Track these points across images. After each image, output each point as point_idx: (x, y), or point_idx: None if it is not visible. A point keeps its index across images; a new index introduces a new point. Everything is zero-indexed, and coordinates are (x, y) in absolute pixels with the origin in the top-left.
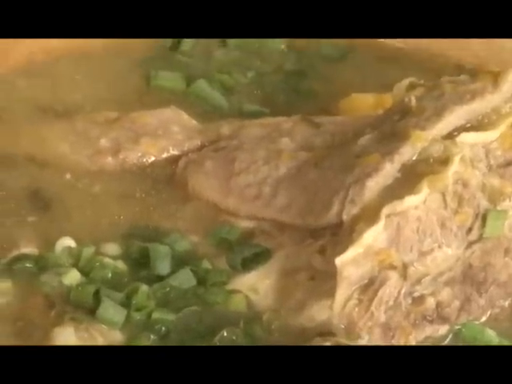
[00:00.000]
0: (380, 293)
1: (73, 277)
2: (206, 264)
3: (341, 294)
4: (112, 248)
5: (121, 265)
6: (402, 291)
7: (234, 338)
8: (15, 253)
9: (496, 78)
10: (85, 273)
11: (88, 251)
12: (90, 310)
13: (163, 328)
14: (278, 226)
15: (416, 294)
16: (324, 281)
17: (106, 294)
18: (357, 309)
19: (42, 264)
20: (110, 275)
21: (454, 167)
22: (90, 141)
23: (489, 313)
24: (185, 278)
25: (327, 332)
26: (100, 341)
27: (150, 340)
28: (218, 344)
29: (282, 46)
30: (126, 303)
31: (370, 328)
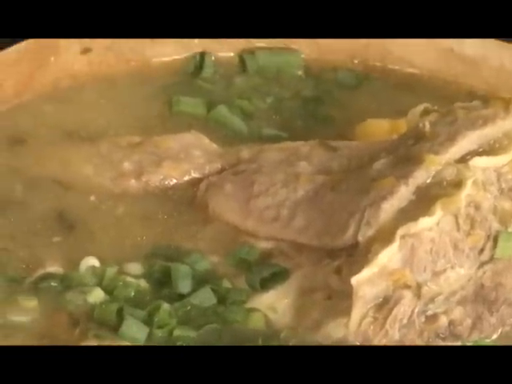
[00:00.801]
0: (394, 311)
1: (97, 295)
2: (225, 283)
3: (356, 312)
4: (135, 267)
5: (143, 284)
6: (416, 310)
7: None
8: (41, 272)
9: (507, 104)
10: (108, 291)
11: (111, 271)
12: (113, 328)
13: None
14: (296, 246)
15: (429, 313)
16: (340, 300)
17: (129, 311)
18: (372, 327)
19: (67, 283)
20: (132, 294)
21: (467, 190)
22: (114, 164)
23: (500, 331)
24: (205, 297)
25: None
26: None
27: None
28: None
29: (300, 73)
30: (148, 321)
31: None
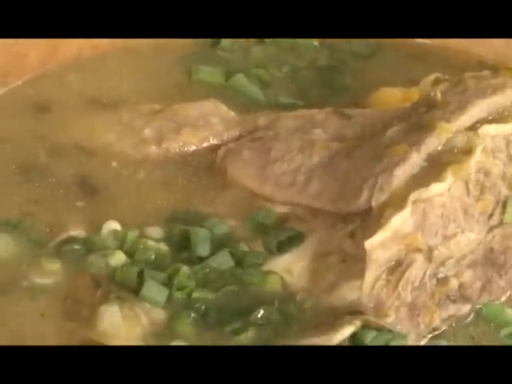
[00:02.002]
0: (407, 274)
1: (118, 258)
2: (243, 247)
3: (370, 275)
4: (155, 231)
5: (163, 247)
6: (427, 273)
7: (270, 316)
8: (64, 236)
9: None
10: (129, 254)
11: (132, 234)
12: (134, 290)
13: (203, 306)
14: (311, 211)
15: (440, 276)
16: (354, 263)
17: (150, 274)
18: (385, 289)
19: (90, 246)
20: (153, 257)
21: (477, 157)
22: (135, 131)
23: (508, 293)
24: (223, 260)
25: (357, 311)
26: (143, 318)
27: (190, 318)
28: (254, 320)
29: (315, 43)
30: (168, 283)
31: (396, 307)
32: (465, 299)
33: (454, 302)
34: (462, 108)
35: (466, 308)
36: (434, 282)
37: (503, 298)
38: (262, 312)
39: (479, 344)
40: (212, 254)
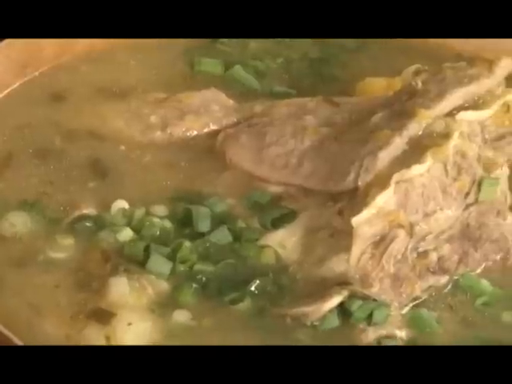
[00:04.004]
0: (390, 248)
1: (126, 234)
2: (240, 223)
3: (356, 249)
4: (160, 209)
5: (167, 224)
6: (409, 247)
7: (265, 286)
8: (77, 213)
9: (490, 64)
10: (136, 231)
11: (139, 212)
12: (140, 263)
13: (203, 278)
14: (303, 190)
15: (421, 250)
16: (342, 238)
17: (155, 248)
18: (370, 262)
19: (100, 223)
20: (158, 233)
21: (454, 141)
22: (142, 117)
23: (483, 265)
24: (222, 235)
25: (344, 282)
26: (149, 289)
27: (192, 288)
28: (251, 290)
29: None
30: (172, 257)
31: (381, 278)
32: (443, 271)
33: (433, 273)
34: (440, 96)
35: (444, 279)
36: (415, 255)
37: (479, 270)
38: (257, 283)
39: (457, 312)
40: (212, 230)
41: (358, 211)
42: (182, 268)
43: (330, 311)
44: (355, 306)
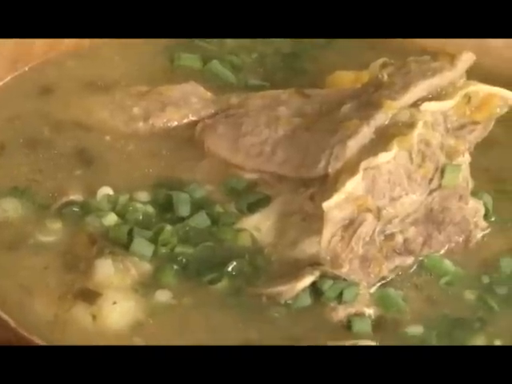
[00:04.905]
0: (358, 231)
1: (111, 219)
2: (218, 208)
3: (327, 232)
4: (143, 195)
5: (150, 209)
6: (376, 230)
7: (241, 267)
8: (64, 199)
9: (452, 58)
10: (121, 215)
11: (123, 198)
12: (124, 246)
13: (184, 260)
14: (277, 177)
15: (387, 232)
16: (314, 221)
17: (138, 232)
18: (340, 244)
19: (86, 208)
20: (141, 217)
21: (419, 130)
22: (125, 109)
23: (446, 247)
24: (201, 219)
25: (316, 263)
26: (132, 270)
27: (173, 269)
28: (228, 271)
29: None
30: (154, 240)
31: (350, 259)
32: (409, 252)
33: (399, 254)
34: (405, 88)
35: (410, 260)
36: (382, 237)
37: (442, 251)
38: (234, 264)
39: (422, 291)
40: (191, 214)
41: (328, 196)
42: (163, 250)
43: (303, 290)
44: (326, 285)
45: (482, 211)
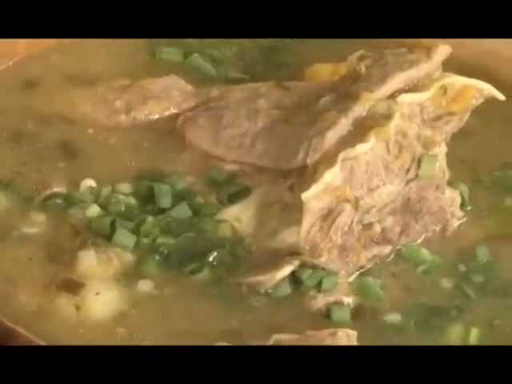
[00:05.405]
0: (337, 221)
1: (94, 210)
2: (199, 199)
3: (306, 222)
4: (125, 187)
5: (132, 200)
6: (355, 219)
7: (222, 257)
8: (48, 192)
9: (429, 50)
10: (103, 207)
11: (106, 190)
12: (107, 237)
13: (165, 250)
14: (257, 168)
15: (365, 222)
16: (293, 212)
17: (120, 223)
18: (319, 234)
19: (70, 200)
20: (123, 209)
21: (396, 121)
22: (108, 102)
23: (423, 236)
24: (182, 211)
25: (295, 252)
26: (115, 261)
27: (155, 260)
28: (209, 261)
29: None
30: (136, 231)
31: (329, 249)
32: (386, 241)
33: (377, 243)
34: (382, 80)
35: (387, 249)
36: (360, 227)
37: (419, 240)
38: (215, 254)
39: (399, 279)
40: (173, 205)
41: (307, 187)
42: (145, 241)
43: (283, 280)
44: (305, 274)
45: (459, 201)
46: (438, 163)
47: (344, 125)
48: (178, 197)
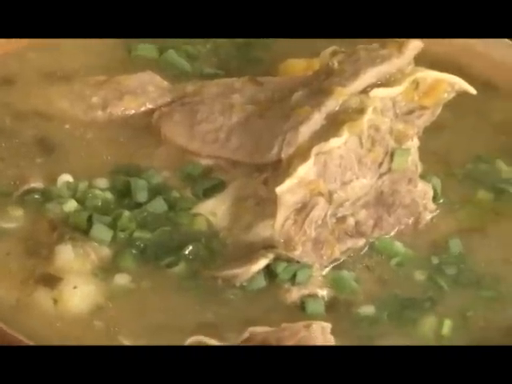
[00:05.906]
0: (311, 214)
1: (71, 205)
2: (175, 193)
3: (280, 215)
4: (101, 182)
5: (108, 195)
6: (328, 213)
7: (198, 251)
8: (26, 187)
9: (400, 46)
10: (80, 202)
11: (83, 185)
12: (84, 231)
13: (142, 244)
14: (232, 163)
15: (339, 215)
16: (267, 206)
17: (97, 218)
18: (293, 227)
19: (47, 195)
20: (100, 203)
21: (368, 116)
22: (85, 98)
23: (396, 229)
24: (158, 205)
25: (270, 245)
26: (92, 255)
27: (131, 254)
28: (185, 255)
29: None
30: (113, 225)
31: (303, 242)
32: (360, 234)
33: (351, 236)
34: (355, 75)
35: (361, 242)
36: (334, 220)
37: (392, 233)
38: (191, 248)
39: (373, 272)
40: (149, 200)
41: (281, 181)
42: (122, 235)
43: (258, 273)
44: (280, 267)
45: (431, 194)
46: (411, 157)
47: (317, 119)
48: (154, 191)
